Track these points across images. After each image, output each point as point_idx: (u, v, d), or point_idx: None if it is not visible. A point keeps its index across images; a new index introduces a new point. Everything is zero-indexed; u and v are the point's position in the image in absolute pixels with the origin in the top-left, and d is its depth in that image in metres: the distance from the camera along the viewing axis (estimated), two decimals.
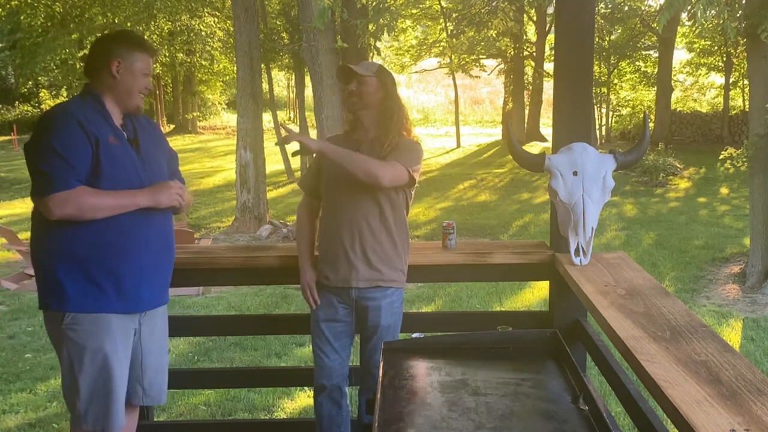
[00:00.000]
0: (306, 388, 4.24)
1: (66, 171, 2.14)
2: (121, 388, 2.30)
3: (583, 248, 2.50)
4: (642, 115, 11.41)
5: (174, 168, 2.50)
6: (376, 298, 2.56)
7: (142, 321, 2.38)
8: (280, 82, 31.09)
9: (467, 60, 22.61)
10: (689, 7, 7.65)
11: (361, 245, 2.52)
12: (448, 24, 19.83)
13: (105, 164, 2.19)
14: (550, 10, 18.26)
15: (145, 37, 19.12)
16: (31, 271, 6.75)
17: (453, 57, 21.75)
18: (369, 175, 2.42)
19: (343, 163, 2.43)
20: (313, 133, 14.32)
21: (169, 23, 19.78)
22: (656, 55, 20.96)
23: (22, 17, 17.55)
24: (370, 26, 8.78)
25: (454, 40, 19.47)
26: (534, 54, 22.08)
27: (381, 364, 1.90)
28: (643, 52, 21.65)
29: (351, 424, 2.79)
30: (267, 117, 15.68)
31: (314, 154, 2.55)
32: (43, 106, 25.38)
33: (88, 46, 2.34)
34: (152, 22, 18.40)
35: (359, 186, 2.48)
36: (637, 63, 21.97)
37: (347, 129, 2.69)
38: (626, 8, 19.29)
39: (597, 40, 19.00)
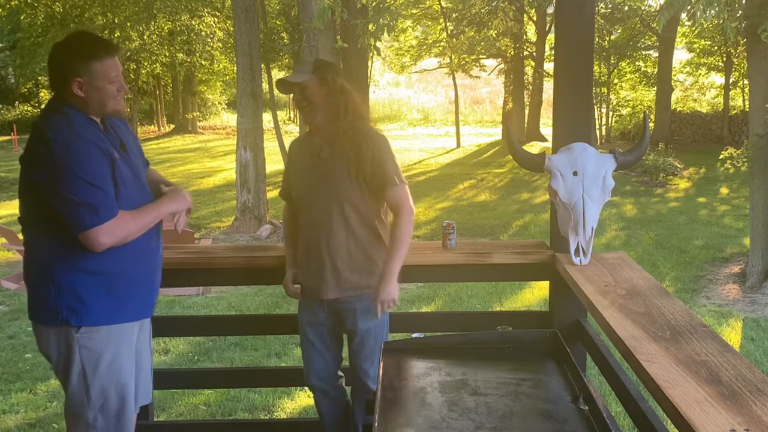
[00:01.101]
0: (306, 388, 4.23)
1: (107, 199, 2.05)
2: (132, 395, 2.27)
3: (583, 248, 2.50)
4: (642, 115, 11.41)
5: (142, 155, 2.38)
6: (351, 302, 2.56)
7: (142, 325, 2.36)
8: None
9: (467, 60, 22.62)
10: (689, 7, 7.64)
11: (330, 258, 2.51)
12: (448, 24, 19.84)
13: (120, 185, 2.10)
14: (550, 10, 18.25)
15: (144, 37, 19.22)
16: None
17: (453, 57, 21.74)
18: (412, 227, 2.53)
19: (404, 256, 2.49)
20: None
21: (169, 23, 19.78)
22: (656, 55, 20.94)
23: (22, 17, 17.57)
24: (370, 26, 8.76)
25: (454, 40, 19.49)
26: (534, 54, 22.07)
27: (381, 364, 1.90)
28: (643, 52, 21.62)
29: (351, 422, 2.79)
30: (267, 117, 15.67)
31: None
32: (42, 107, 25.29)
33: None
34: (152, 22, 18.40)
35: (324, 202, 2.50)
36: (637, 63, 21.95)
37: (308, 131, 2.66)
38: (626, 8, 19.26)
39: (597, 40, 18.99)
